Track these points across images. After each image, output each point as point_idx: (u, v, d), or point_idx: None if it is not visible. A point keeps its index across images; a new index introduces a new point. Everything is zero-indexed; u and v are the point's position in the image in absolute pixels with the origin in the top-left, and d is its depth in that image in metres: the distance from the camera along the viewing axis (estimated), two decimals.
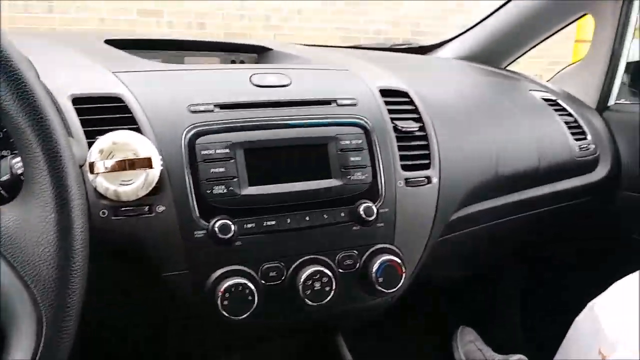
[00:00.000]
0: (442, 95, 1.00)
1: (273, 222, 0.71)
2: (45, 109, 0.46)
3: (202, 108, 0.71)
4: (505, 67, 1.43)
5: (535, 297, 1.48)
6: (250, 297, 0.68)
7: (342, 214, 0.75)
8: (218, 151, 0.69)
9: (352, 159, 0.76)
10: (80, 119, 0.66)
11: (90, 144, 0.63)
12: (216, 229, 0.67)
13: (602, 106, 1.30)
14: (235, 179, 0.70)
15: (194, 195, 0.68)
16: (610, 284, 0.90)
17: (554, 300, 1.39)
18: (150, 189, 0.64)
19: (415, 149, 0.84)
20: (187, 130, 0.69)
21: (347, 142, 0.76)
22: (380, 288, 0.76)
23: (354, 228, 0.76)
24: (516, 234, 1.15)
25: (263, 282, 0.71)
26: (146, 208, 0.65)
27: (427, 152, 0.85)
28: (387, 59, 1.25)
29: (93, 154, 0.62)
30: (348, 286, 0.76)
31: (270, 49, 1.01)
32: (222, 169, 0.69)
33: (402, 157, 0.81)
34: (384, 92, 0.85)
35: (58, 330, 0.44)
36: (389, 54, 1.36)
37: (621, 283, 0.89)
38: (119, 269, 0.68)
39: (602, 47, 1.30)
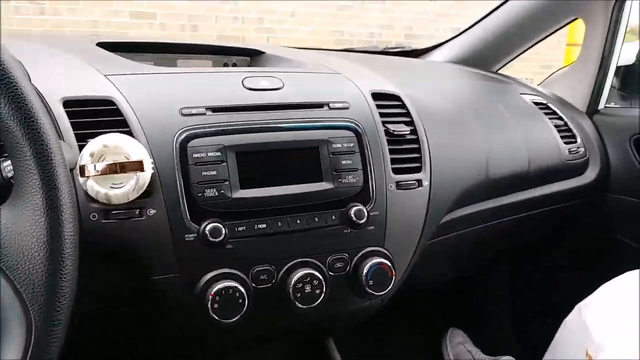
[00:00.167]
0: (434, 98, 1.00)
1: (264, 225, 0.72)
2: (36, 112, 0.46)
3: (194, 111, 0.71)
4: (497, 71, 1.44)
5: (524, 299, 1.49)
6: (240, 300, 0.68)
7: (333, 217, 0.75)
8: (209, 154, 0.69)
9: (343, 162, 0.76)
10: (71, 122, 0.66)
11: (81, 147, 0.63)
12: (207, 232, 0.67)
13: (592, 110, 1.32)
14: (226, 182, 0.70)
15: (185, 198, 0.68)
16: (599, 285, 0.91)
17: (544, 302, 1.40)
18: (141, 192, 0.64)
19: (407, 152, 0.84)
20: (178, 133, 0.69)
21: (339, 145, 0.77)
22: (370, 291, 0.76)
23: (345, 231, 0.76)
24: (506, 237, 1.16)
25: (254, 285, 0.71)
26: (137, 211, 0.65)
27: (418, 155, 0.85)
28: (380, 63, 1.25)
29: (84, 157, 0.62)
30: (338, 289, 0.77)
31: (263, 52, 1.01)
32: (213, 172, 0.69)
33: (394, 160, 0.81)
34: (376, 96, 0.85)
35: (47, 333, 0.44)
36: (381, 57, 1.37)
37: (609, 285, 0.90)
38: (110, 272, 0.68)
39: (593, 51, 1.31)
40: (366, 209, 0.76)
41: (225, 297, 0.67)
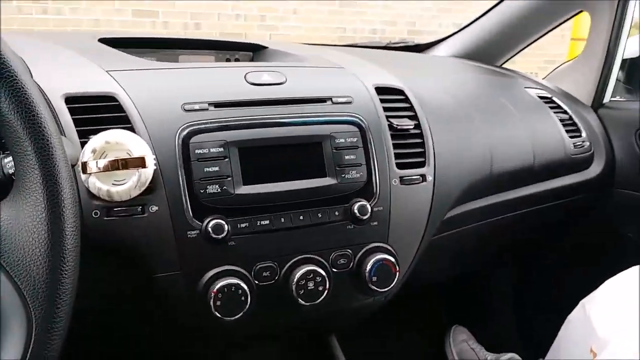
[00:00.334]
0: (438, 93, 1.00)
1: (267, 222, 0.71)
2: (37, 106, 0.46)
3: (196, 107, 0.71)
4: (501, 65, 1.43)
5: (528, 295, 1.48)
6: (243, 298, 0.68)
7: (337, 213, 0.75)
8: (212, 150, 0.69)
9: (347, 157, 0.76)
10: (73, 118, 0.65)
11: (83, 144, 0.63)
12: (209, 229, 0.67)
13: (597, 104, 1.31)
14: (229, 178, 0.69)
15: (187, 194, 0.67)
16: (603, 281, 0.90)
17: (547, 298, 1.39)
18: (144, 188, 0.64)
19: (410, 147, 0.83)
20: (181, 129, 0.69)
21: (342, 140, 0.76)
22: (373, 287, 0.75)
23: (348, 227, 0.76)
24: (511, 232, 1.15)
25: (256, 282, 0.71)
26: (139, 208, 0.65)
27: (422, 150, 0.84)
28: (383, 57, 1.25)
29: (86, 154, 0.61)
30: (342, 285, 0.76)
31: (266, 47, 1.01)
32: (216, 168, 0.69)
33: (397, 155, 0.81)
34: (379, 90, 0.85)
35: (48, 330, 0.43)
36: (384, 52, 1.36)
37: (613, 280, 0.89)
38: (112, 269, 0.67)
39: (598, 44, 1.30)
40: (370, 205, 0.76)
41: (227, 294, 0.67)
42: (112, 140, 0.63)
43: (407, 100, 0.87)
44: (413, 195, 0.82)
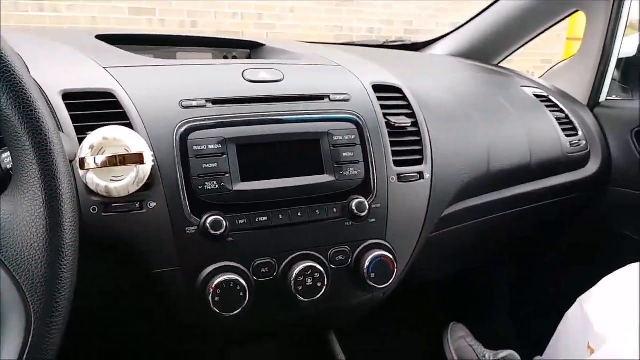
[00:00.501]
0: (435, 91, 1.00)
1: (265, 218, 0.71)
2: (35, 101, 0.46)
3: (194, 103, 0.71)
4: (497, 64, 1.43)
5: (526, 293, 1.48)
6: (242, 294, 0.68)
7: (335, 210, 0.75)
8: (210, 147, 0.69)
9: (344, 154, 0.76)
10: (70, 115, 0.65)
11: (81, 140, 0.63)
12: (208, 225, 0.67)
13: (593, 102, 1.31)
14: (227, 175, 0.69)
15: (185, 191, 0.67)
16: (600, 278, 0.90)
17: (545, 296, 1.40)
18: (142, 184, 0.64)
19: (408, 144, 0.84)
20: (179, 125, 0.69)
21: (340, 137, 0.76)
22: (372, 283, 0.76)
23: (346, 224, 0.76)
24: (508, 230, 1.16)
25: (255, 278, 0.71)
26: (137, 204, 0.65)
27: (419, 147, 0.85)
28: (380, 55, 1.25)
29: (84, 150, 0.61)
30: (340, 282, 0.76)
31: (263, 45, 1.01)
32: (214, 165, 0.69)
33: (395, 153, 0.81)
34: (377, 88, 0.85)
35: (47, 324, 0.43)
36: (381, 51, 1.36)
37: (610, 277, 0.89)
38: (110, 265, 0.67)
39: (593, 43, 1.30)
40: (367, 202, 0.76)
41: (226, 290, 0.67)
42: (110, 137, 0.62)
43: (404, 98, 0.87)
44: (411, 192, 0.82)
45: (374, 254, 0.76)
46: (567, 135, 1.14)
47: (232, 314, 0.67)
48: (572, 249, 1.37)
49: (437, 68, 1.27)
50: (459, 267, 1.31)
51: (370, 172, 0.77)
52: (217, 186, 0.69)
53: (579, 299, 0.91)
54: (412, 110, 0.87)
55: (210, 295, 0.67)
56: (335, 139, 0.76)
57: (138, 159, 0.62)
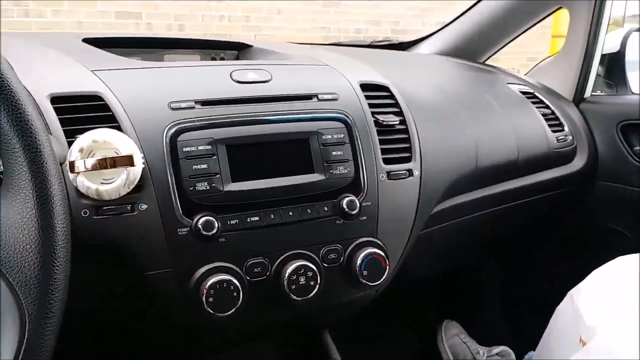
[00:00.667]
0: (422, 89, 1.01)
1: (256, 218, 0.72)
2: (24, 105, 0.46)
3: (183, 105, 0.71)
4: (484, 62, 1.45)
5: (517, 288, 1.50)
6: (235, 294, 0.68)
7: (326, 209, 0.76)
8: (200, 148, 0.69)
9: (334, 153, 0.76)
10: (59, 118, 0.65)
11: (70, 143, 0.63)
12: (200, 226, 0.67)
13: (578, 98, 1.33)
14: (217, 176, 0.69)
15: (176, 192, 0.67)
16: (590, 271, 0.91)
17: (536, 291, 1.41)
18: (132, 187, 0.64)
19: (397, 142, 0.84)
20: (168, 127, 0.69)
21: (329, 136, 0.77)
22: (364, 281, 0.76)
23: (338, 222, 0.76)
24: (497, 226, 1.17)
25: (248, 278, 0.71)
26: (128, 206, 0.65)
27: (408, 145, 0.85)
28: (367, 55, 1.26)
29: (73, 153, 0.61)
30: (332, 280, 0.77)
31: (250, 46, 1.01)
32: (204, 166, 0.69)
33: (384, 151, 0.82)
34: (365, 87, 0.85)
35: (42, 326, 0.43)
36: (369, 51, 1.37)
37: (600, 270, 0.90)
38: (103, 268, 0.67)
39: (577, 39, 1.32)
40: (358, 200, 0.76)
41: (219, 290, 0.67)
42: (100, 139, 0.62)
43: (392, 96, 0.88)
44: (400, 189, 0.82)
45: (365, 252, 0.76)
46: (554, 131, 1.16)
47: (226, 314, 0.68)
48: (561, 243, 1.39)
49: (424, 67, 1.28)
50: (450, 264, 1.32)
51: (359, 170, 0.78)
52: (207, 187, 0.69)
53: (569, 293, 0.91)
54: (400, 108, 0.87)
55: (204, 296, 0.67)
56: (325, 138, 0.76)
57: (128, 161, 0.62)
